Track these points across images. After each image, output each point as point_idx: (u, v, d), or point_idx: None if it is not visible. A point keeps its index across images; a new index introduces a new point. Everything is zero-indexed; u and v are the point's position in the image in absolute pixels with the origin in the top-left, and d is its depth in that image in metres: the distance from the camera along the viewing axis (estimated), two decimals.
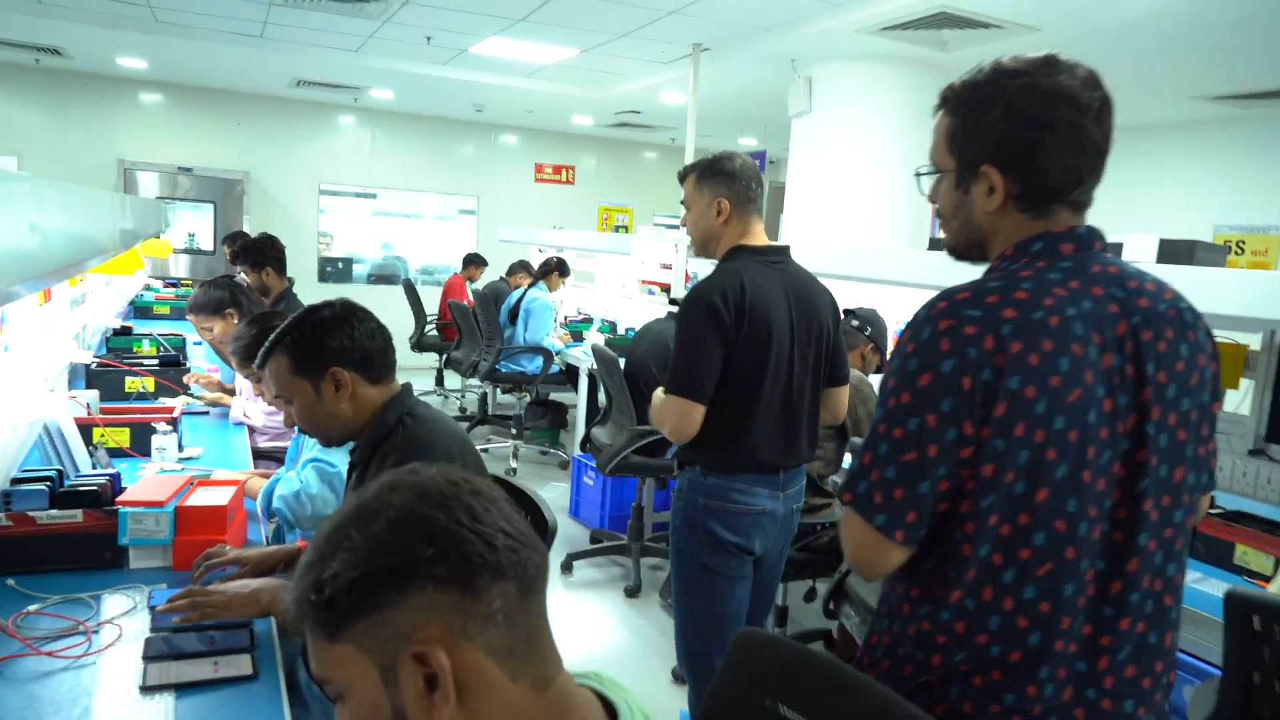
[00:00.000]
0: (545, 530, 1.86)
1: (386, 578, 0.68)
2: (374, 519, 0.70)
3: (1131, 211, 7.03)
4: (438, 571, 0.68)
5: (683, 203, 2.29)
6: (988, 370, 1.03)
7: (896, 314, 3.84)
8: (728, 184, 2.16)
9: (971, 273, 1.19)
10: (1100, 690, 1.08)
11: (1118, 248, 2.39)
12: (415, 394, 1.78)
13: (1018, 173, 1.11)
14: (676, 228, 6.58)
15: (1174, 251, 2.46)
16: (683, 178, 2.28)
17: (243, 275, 4.32)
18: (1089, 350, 1.04)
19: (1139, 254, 2.40)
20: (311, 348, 1.64)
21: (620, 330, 6.14)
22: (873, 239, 5.48)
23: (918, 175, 1.25)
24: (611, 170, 10.69)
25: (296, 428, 1.74)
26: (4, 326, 2.33)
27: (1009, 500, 1.04)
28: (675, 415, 2.06)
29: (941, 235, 2.48)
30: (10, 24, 6.24)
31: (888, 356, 3.16)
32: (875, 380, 3.15)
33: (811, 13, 4.81)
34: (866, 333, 3.12)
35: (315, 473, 2.09)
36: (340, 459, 2.09)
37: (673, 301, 4.52)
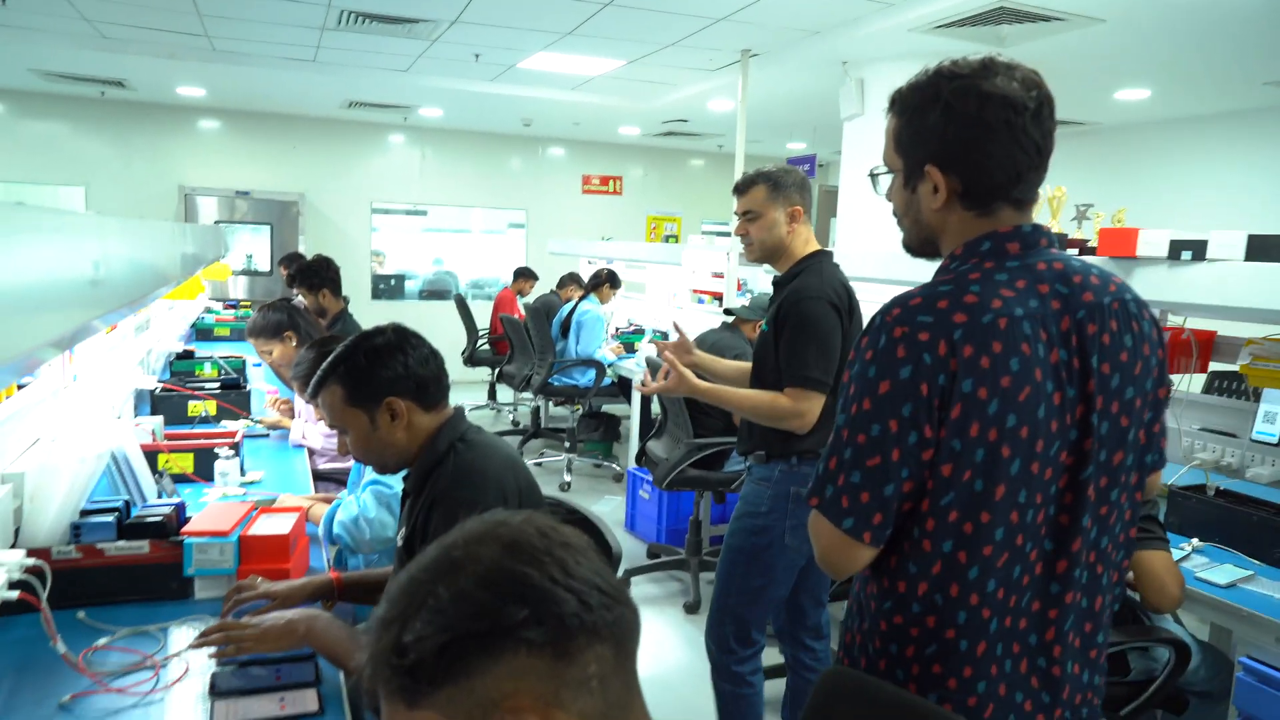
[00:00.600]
0: (610, 556, 1.81)
1: (477, 642, 0.62)
2: (460, 574, 0.65)
3: (1208, 205, 6.76)
4: (531, 635, 0.63)
5: (740, 213, 2.39)
6: (942, 375, 1.08)
7: None
8: (801, 194, 2.36)
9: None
10: (1050, 659, 1.17)
11: (1202, 245, 2.27)
12: (468, 410, 1.75)
13: (958, 171, 1.16)
14: (726, 235, 6.51)
15: (1264, 247, 2.33)
16: (744, 188, 2.37)
17: (300, 297, 4.38)
18: (1037, 348, 1.10)
19: (1226, 252, 2.27)
20: (366, 377, 1.60)
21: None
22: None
23: (872, 175, 1.30)
24: (659, 179, 10.66)
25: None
26: (73, 356, 2.38)
27: (969, 497, 1.10)
28: (810, 410, 2.21)
29: None
30: (78, 59, 6.46)
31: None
32: None
33: (863, 14, 4.71)
34: None
35: (373, 496, 2.08)
36: (398, 481, 2.07)
37: (728, 311, 4.45)
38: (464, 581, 0.64)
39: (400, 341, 1.64)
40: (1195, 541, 2.30)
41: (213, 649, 1.51)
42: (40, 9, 5.16)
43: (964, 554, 1.11)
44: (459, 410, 1.72)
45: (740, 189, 2.38)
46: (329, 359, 1.64)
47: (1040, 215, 3.29)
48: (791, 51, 5.46)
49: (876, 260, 3.35)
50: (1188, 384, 2.83)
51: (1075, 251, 3.03)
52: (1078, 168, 7.63)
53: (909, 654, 1.15)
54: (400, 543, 1.65)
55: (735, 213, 2.43)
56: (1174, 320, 2.85)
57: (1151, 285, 2.30)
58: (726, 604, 2.42)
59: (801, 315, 2.21)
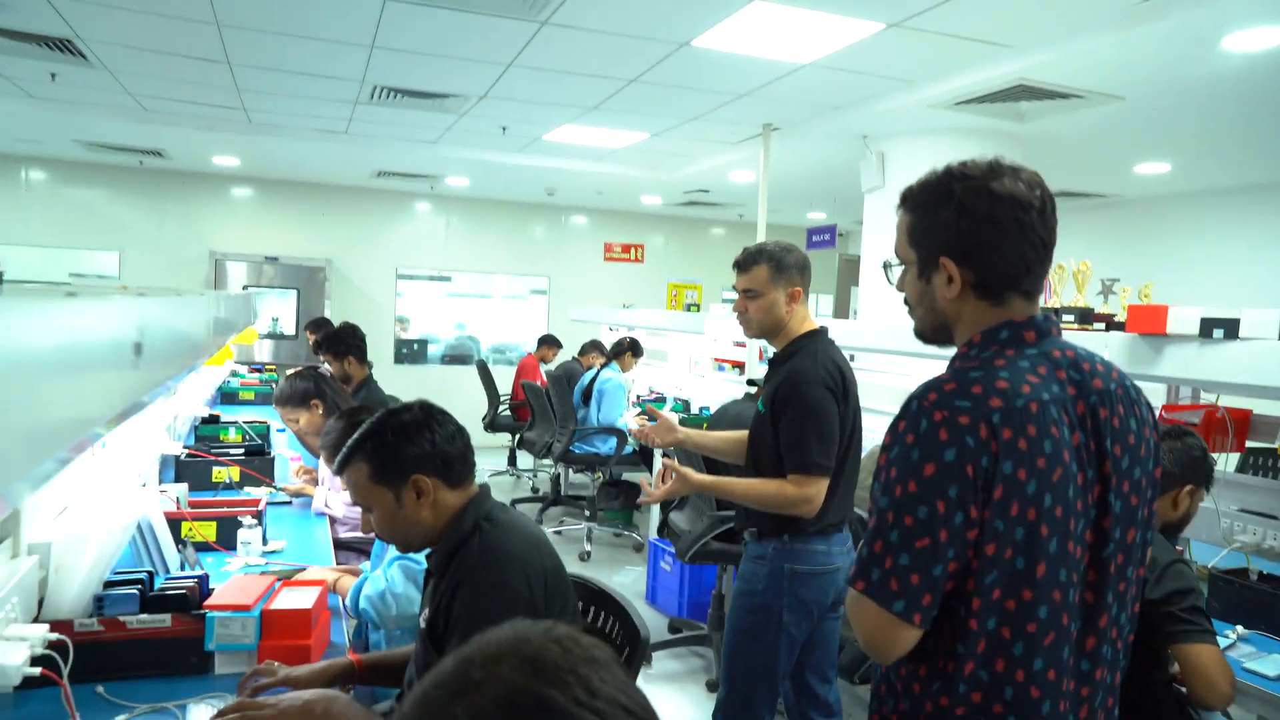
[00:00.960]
0: (637, 642, 1.77)
1: None
2: (480, 695, 0.63)
3: (1232, 279, 6.73)
4: None
5: (741, 289, 2.43)
6: (985, 457, 1.13)
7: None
8: (801, 275, 2.40)
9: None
10: None
11: (1234, 324, 2.25)
12: (488, 475, 1.73)
13: (972, 264, 1.24)
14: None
15: None
16: (746, 265, 2.40)
17: (325, 365, 4.42)
18: (1063, 431, 1.17)
19: (1259, 330, 2.25)
20: (392, 454, 1.59)
21: (694, 409, 6.07)
22: None
23: (886, 267, 1.39)
24: (680, 247, 10.78)
25: None
26: None
27: (1011, 575, 1.14)
28: (817, 495, 2.25)
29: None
30: (122, 131, 6.69)
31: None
32: None
33: (884, 90, 4.80)
34: None
35: (401, 571, 2.05)
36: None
37: (750, 382, 4.45)
38: (483, 703, 0.62)
39: (427, 419, 1.63)
40: (1240, 629, 2.23)
41: None
42: (86, 83, 5.36)
43: (1008, 630, 1.15)
44: (484, 488, 1.70)
45: (742, 266, 2.40)
46: (355, 435, 1.63)
47: (1065, 289, 3.30)
48: (813, 125, 5.56)
49: (902, 334, 3.34)
50: (1224, 463, 2.77)
51: (1103, 326, 3.02)
52: (1100, 240, 7.65)
53: None
54: (423, 624, 1.62)
55: (735, 288, 2.45)
56: (1207, 398, 2.81)
57: (1183, 363, 2.27)
58: (734, 685, 2.42)
59: (801, 401, 2.25)
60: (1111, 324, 3.04)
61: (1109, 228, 7.80)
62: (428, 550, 1.71)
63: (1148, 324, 2.47)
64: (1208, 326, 2.28)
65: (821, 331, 2.40)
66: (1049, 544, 1.14)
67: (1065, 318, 3.10)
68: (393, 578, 2.05)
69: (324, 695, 1.54)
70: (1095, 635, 1.20)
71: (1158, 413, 2.77)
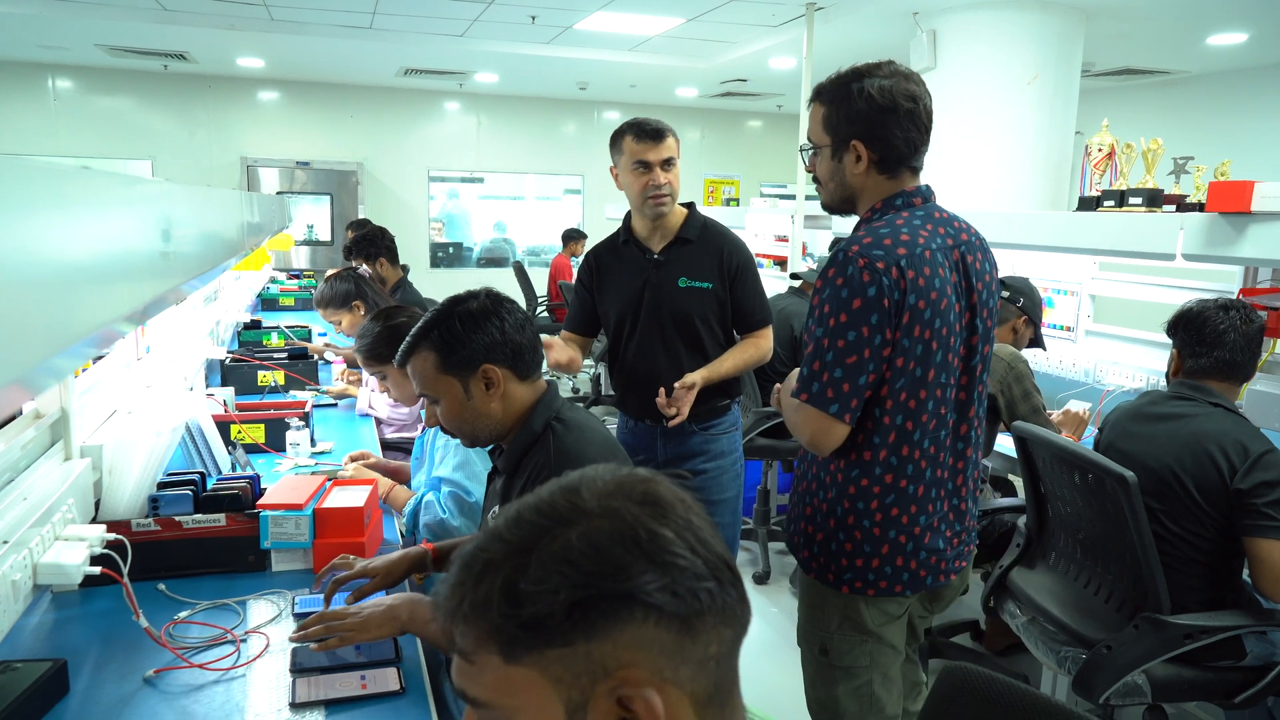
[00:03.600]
0: None
1: (609, 604, 0.56)
2: (592, 523, 0.58)
3: None
4: (664, 605, 0.56)
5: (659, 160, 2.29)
6: (897, 292, 1.46)
7: (1041, 281, 3.52)
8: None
9: None
10: (959, 498, 1.62)
11: None
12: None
13: (876, 145, 1.53)
14: (789, 198, 6.34)
15: None
16: (663, 133, 2.32)
17: (364, 267, 4.38)
18: (946, 271, 1.52)
19: None
20: (461, 343, 1.51)
21: None
22: (1005, 201, 5.11)
23: (802, 151, 1.67)
24: (716, 141, 10.46)
25: (424, 425, 1.64)
26: (145, 329, 2.38)
27: (911, 381, 1.50)
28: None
29: (1094, 194, 2.85)
30: (140, 32, 6.53)
31: (1039, 327, 2.91)
32: (1030, 354, 2.89)
33: None
34: (1019, 304, 2.86)
35: (455, 503, 2.01)
36: (477, 489, 1.99)
37: (794, 276, 4.32)
38: (599, 534, 0.57)
39: (495, 306, 1.55)
40: None
41: (314, 643, 1.43)
42: None
43: (910, 423, 1.52)
44: (553, 385, 1.63)
45: (659, 134, 2.31)
46: (420, 324, 1.55)
47: (1135, 169, 3.10)
48: (859, 3, 5.23)
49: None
50: None
51: (1173, 208, 2.83)
52: (1165, 120, 7.24)
53: (873, 506, 1.55)
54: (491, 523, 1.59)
55: (647, 160, 2.31)
56: None
57: (1272, 243, 2.12)
58: None
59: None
60: (1183, 205, 2.86)
61: (1176, 106, 7.37)
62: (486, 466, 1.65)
63: (1231, 202, 2.30)
64: None
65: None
66: (937, 355, 1.50)
67: (1132, 200, 2.92)
68: (449, 509, 2.01)
69: (408, 599, 1.48)
70: (966, 423, 1.59)
71: (1234, 295, 2.62)
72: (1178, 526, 1.95)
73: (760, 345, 2.40)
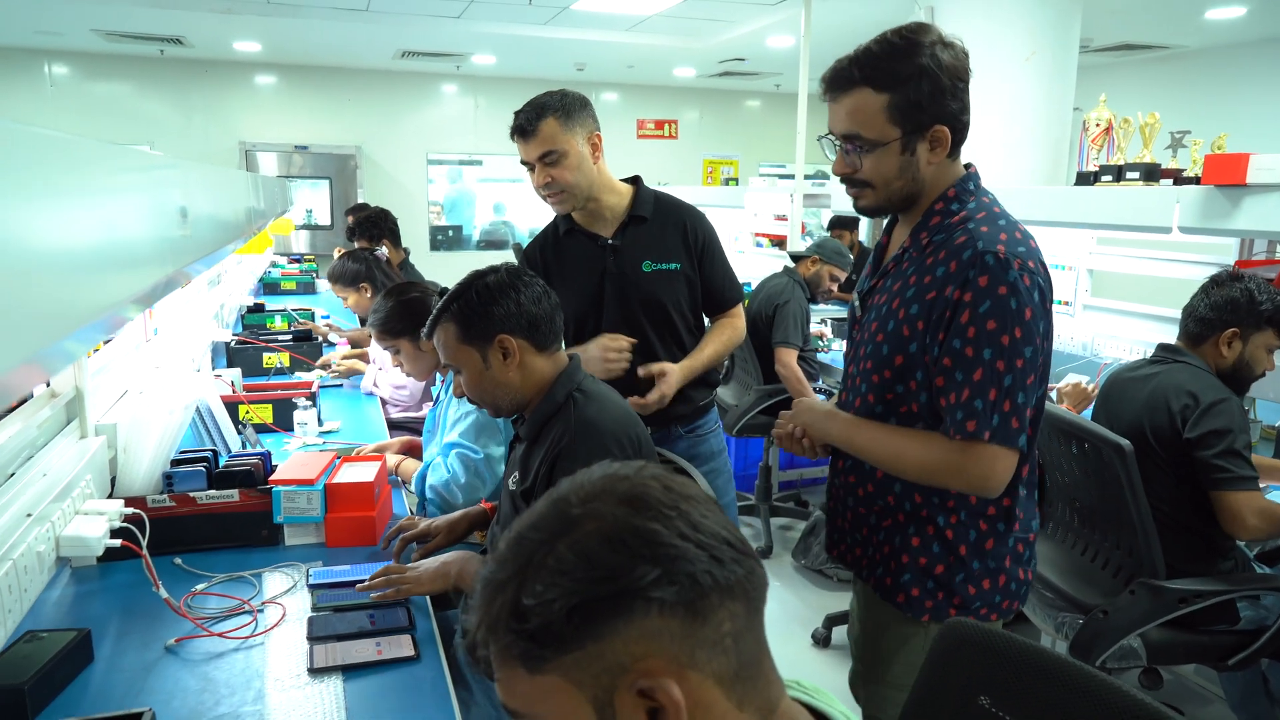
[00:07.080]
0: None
1: (607, 605, 0.59)
2: (581, 532, 0.61)
3: None
4: (664, 595, 0.59)
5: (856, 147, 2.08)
6: (1048, 290, 1.30)
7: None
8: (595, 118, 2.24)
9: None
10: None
11: None
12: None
13: (956, 125, 1.32)
14: (788, 178, 6.34)
15: None
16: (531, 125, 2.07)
17: (382, 249, 4.41)
18: None
19: None
20: (478, 315, 1.58)
21: None
22: (1004, 176, 5.11)
23: (840, 148, 1.36)
24: (714, 122, 10.42)
25: (430, 403, 1.70)
26: (152, 312, 2.41)
27: (1041, 393, 1.33)
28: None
29: (1091, 169, 2.71)
30: (136, 17, 6.50)
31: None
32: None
33: None
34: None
35: (460, 462, 2.06)
36: (481, 446, 2.07)
37: (794, 257, 4.33)
38: (586, 541, 0.60)
39: (512, 279, 1.61)
40: None
41: (377, 593, 1.57)
42: None
43: (1031, 430, 1.33)
44: (575, 359, 1.69)
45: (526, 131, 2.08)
46: (445, 297, 1.63)
47: (1132, 143, 3.11)
48: None
49: None
50: None
51: (1170, 182, 2.85)
52: (1164, 94, 7.22)
53: (1015, 528, 1.39)
54: (515, 489, 1.64)
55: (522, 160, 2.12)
56: None
57: (1267, 215, 2.14)
58: None
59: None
60: (1180, 179, 2.88)
61: (1172, 80, 7.35)
62: (499, 432, 1.72)
63: (1227, 174, 2.32)
64: None
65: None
66: (1049, 360, 1.34)
67: (1130, 175, 2.94)
68: (455, 469, 2.06)
69: (459, 556, 1.60)
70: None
71: (1230, 267, 2.65)
72: (1157, 486, 2.00)
73: (736, 326, 2.15)
